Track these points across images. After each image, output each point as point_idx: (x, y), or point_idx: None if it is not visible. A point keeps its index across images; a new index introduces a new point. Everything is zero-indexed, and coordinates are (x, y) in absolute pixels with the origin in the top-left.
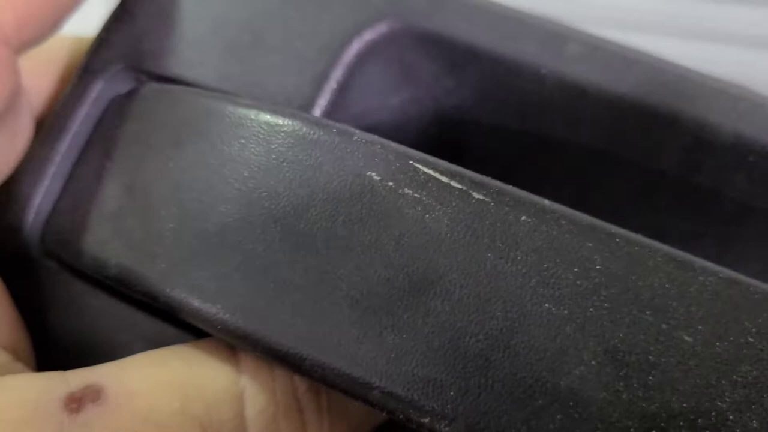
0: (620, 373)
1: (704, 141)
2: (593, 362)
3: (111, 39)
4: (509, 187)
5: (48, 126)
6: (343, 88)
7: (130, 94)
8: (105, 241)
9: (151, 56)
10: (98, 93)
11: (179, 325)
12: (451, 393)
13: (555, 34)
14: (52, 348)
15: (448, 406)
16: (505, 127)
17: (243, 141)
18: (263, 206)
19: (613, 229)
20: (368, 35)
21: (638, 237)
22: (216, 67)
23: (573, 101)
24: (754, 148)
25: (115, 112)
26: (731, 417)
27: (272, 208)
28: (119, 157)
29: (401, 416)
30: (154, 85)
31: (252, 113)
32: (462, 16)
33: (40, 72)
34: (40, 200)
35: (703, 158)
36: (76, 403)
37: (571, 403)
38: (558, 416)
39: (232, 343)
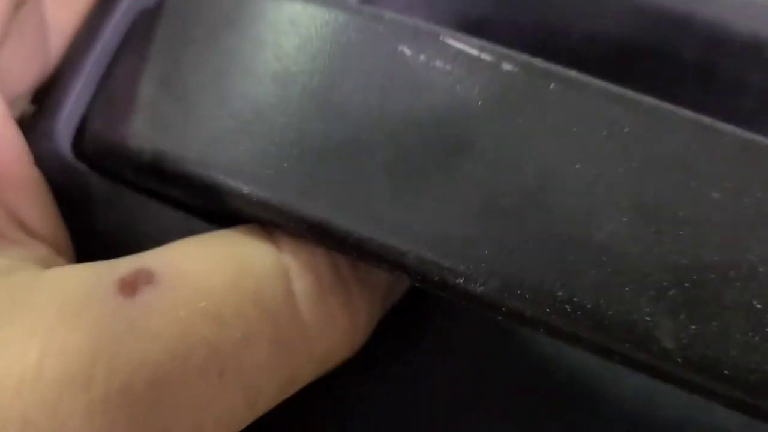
0: (651, 229)
1: (719, 40)
2: (624, 219)
3: None
4: (537, 59)
5: (76, 38)
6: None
7: (159, 6)
8: (140, 130)
9: None
10: (126, 6)
11: (213, 220)
12: (486, 252)
13: None
14: (88, 249)
15: (483, 264)
16: (526, 25)
17: (275, 26)
18: (297, 83)
19: (640, 96)
20: None
21: (664, 103)
22: None
23: (593, 5)
24: None
25: (144, 21)
26: (761, 269)
27: (306, 84)
28: (152, 57)
29: (436, 279)
30: None
31: (283, 1)
32: None
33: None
34: (71, 106)
35: (720, 57)
36: (129, 287)
37: (604, 258)
38: (591, 271)
39: (269, 218)
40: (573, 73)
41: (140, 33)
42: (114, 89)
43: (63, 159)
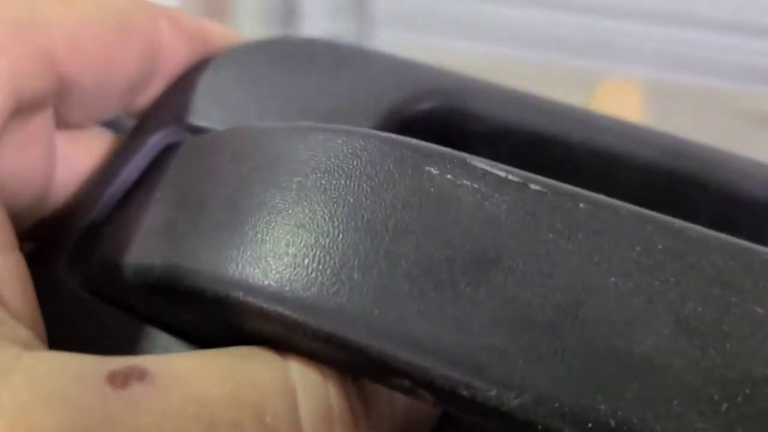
0: (695, 342)
1: (733, 201)
2: (665, 331)
3: (166, 102)
4: (563, 184)
5: (98, 172)
6: None
7: (184, 141)
8: (151, 248)
9: (203, 119)
10: (151, 145)
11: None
12: (519, 362)
13: (583, 112)
14: None
15: (517, 375)
16: None
17: (305, 152)
18: (321, 203)
19: (670, 218)
20: (408, 112)
21: (694, 225)
22: None
23: (604, 168)
24: None
25: (168, 156)
26: None
27: (334, 209)
28: (171, 184)
29: (465, 393)
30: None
31: (313, 132)
32: (493, 99)
33: None
34: (78, 236)
35: (734, 217)
36: (120, 379)
37: (647, 371)
38: (634, 384)
39: (283, 333)
40: (601, 197)
41: (161, 167)
42: (127, 216)
43: (66, 288)
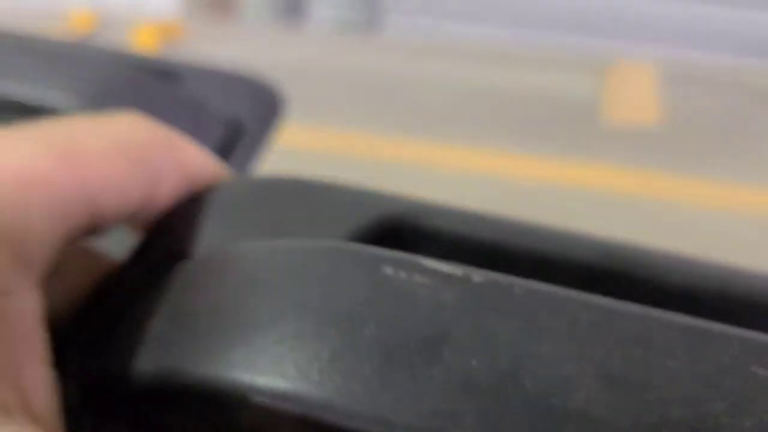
0: (620, 394)
1: (658, 291)
2: (593, 386)
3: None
4: (501, 274)
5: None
6: None
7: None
8: (141, 358)
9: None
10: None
11: None
12: (470, 420)
13: (528, 225)
14: None
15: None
16: None
17: (258, 264)
18: (286, 298)
19: (591, 297)
20: (366, 236)
21: (614, 300)
22: None
23: (545, 270)
24: None
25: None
26: (724, 420)
27: (306, 304)
28: (163, 302)
29: None
30: None
31: (260, 245)
32: (444, 217)
33: None
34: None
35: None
36: None
37: (582, 421)
38: None
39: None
40: (534, 283)
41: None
42: (117, 335)
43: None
